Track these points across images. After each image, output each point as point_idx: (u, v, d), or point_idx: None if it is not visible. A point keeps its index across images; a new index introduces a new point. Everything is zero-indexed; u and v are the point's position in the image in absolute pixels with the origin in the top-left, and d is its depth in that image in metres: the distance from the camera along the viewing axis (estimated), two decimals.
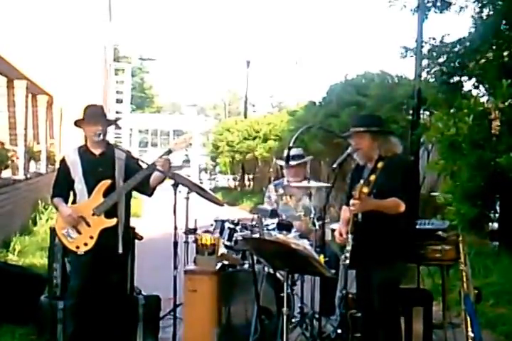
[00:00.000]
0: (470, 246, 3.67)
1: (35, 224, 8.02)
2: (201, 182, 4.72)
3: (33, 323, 3.81)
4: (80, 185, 3.38)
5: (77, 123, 3.44)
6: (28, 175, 8.65)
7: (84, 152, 3.45)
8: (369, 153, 3.19)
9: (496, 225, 6.82)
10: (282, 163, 4.08)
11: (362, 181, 3.01)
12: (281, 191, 4.16)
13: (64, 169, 3.45)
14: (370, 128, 3.16)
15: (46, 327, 3.65)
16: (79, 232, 3.32)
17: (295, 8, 70.31)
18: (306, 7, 68.53)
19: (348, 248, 3.16)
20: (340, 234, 3.21)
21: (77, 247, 3.33)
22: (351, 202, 3.03)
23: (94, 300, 3.35)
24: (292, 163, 4.03)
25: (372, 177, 3.10)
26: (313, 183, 3.99)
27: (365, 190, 3.10)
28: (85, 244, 3.31)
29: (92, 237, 3.30)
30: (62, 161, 3.49)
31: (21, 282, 4.08)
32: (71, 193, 3.45)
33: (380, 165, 3.13)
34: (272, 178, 13.64)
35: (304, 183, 3.99)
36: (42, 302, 3.72)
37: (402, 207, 3.03)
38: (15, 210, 7.52)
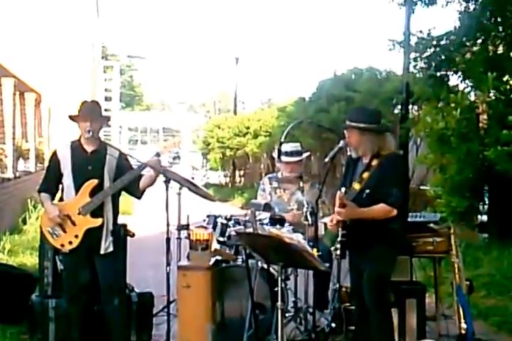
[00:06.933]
0: (460, 238, 3.70)
1: (24, 222, 7.94)
2: (193, 178, 4.73)
3: (25, 322, 3.79)
4: (67, 180, 3.34)
5: (72, 119, 3.39)
6: (17, 174, 8.56)
7: (76, 147, 3.39)
8: (358, 148, 3.15)
9: (485, 217, 6.90)
10: (283, 156, 4.06)
11: (343, 189, 2.99)
12: (275, 184, 4.16)
13: (54, 162, 3.40)
14: (357, 125, 3.11)
15: (38, 325, 3.63)
16: (64, 231, 3.29)
17: (284, 4, 70.25)
18: (294, 3, 68.47)
19: (339, 238, 3.18)
20: (332, 221, 3.21)
21: (62, 245, 3.30)
22: (336, 209, 3.03)
23: (89, 300, 3.35)
24: (291, 159, 4.03)
25: (366, 175, 3.08)
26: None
27: (357, 186, 3.10)
28: (70, 243, 3.28)
29: (77, 236, 3.28)
30: (54, 154, 3.43)
31: (12, 281, 4.05)
32: (59, 187, 3.40)
33: (374, 162, 3.09)
34: (263, 174, 13.65)
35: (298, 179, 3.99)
36: (33, 301, 3.69)
37: (392, 213, 3.02)
38: (4, 209, 7.45)
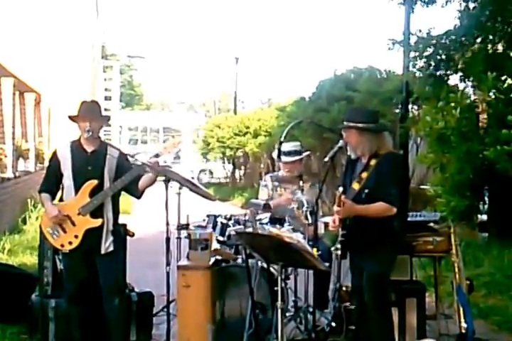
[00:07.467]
0: (460, 238, 3.70)
1: (24, 222, 7.95)
2: (193, 178, 4.74)
3: (24, 322, 3.79)
4: (68, 180, 3.34)
5: (71, 119, 3.39)
6: (17, 174, 8.57)
7: (76, 147, 3.39)
8: (357, 148, 3.15)
9: (485, 217, 6.90)
10: (282, 156, 4.07)
11: (340, 189, 3.00)
12: (276, 183, 4.18)
13: (54, 162, 3.40)
14: (356, 125, 3.12)
15: (37, 325, 3.63)
16: (64, 231, 3.29)
17: (284, 3, 70.23)
18: (294, 3, 68.47)
19: (340, 238, 3.18)
20: (334, 221, 3.21)
21: (62, 245, 3.31)
22: (335, 208, 3.04)
23: (89, 299, 3.35)
24: (290, 159, 4.04)
25: (364, 175, 3.09)
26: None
27: (356, 186, 3.10)
28: (70, 243, 3.29)
29: (76, 236, 3.28)
30: (54, 155, 3.44)
31: (12, 281, 4.05)
32: (60, 187, 3.41)
33: (373, 162, 3.11)
34: (263, 173, 13.65)
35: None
36: (33, 301, 3.70)
37: (391, 211, 3.02)
38: (4, 209, 7.45)
